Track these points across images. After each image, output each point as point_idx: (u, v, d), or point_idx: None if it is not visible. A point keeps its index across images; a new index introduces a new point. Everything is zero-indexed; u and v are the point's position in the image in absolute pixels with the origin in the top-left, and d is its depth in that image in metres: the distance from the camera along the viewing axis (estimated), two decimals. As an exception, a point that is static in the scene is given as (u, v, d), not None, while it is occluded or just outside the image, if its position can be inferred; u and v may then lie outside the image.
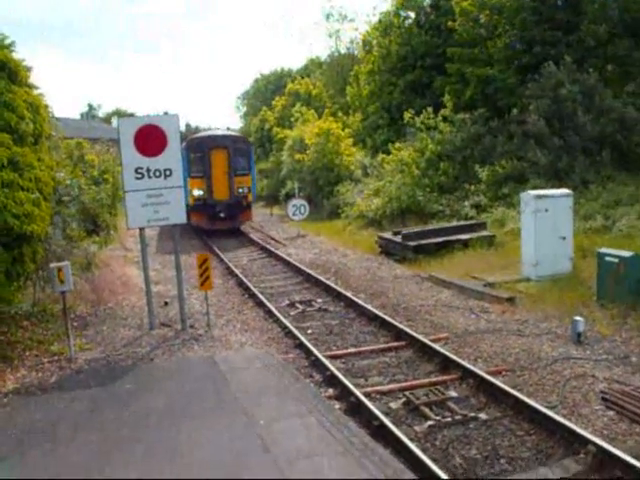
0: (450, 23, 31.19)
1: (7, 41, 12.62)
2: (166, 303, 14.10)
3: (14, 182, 10.01)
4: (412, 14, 37.43)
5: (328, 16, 48.37)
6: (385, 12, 38.78)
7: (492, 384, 8.71)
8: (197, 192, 25.97)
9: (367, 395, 8.75)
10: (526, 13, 26.60)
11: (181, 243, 12.83)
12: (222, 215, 26.25)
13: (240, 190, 26.63)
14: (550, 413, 7.66)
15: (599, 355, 9.90)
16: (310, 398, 8.31)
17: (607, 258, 12.28)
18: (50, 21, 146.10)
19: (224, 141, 27.32)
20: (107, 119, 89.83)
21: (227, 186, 26.39)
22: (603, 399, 8.22)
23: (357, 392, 8.70)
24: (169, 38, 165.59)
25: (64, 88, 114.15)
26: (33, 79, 12.40)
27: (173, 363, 10.21)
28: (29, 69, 12.25)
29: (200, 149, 26.62)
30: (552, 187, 19.15)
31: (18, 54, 12.40)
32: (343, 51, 48.22)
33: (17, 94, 10.99)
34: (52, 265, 10.57)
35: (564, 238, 14.45)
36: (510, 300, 13.09)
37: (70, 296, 11.81)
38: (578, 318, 10.65)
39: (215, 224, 26.64)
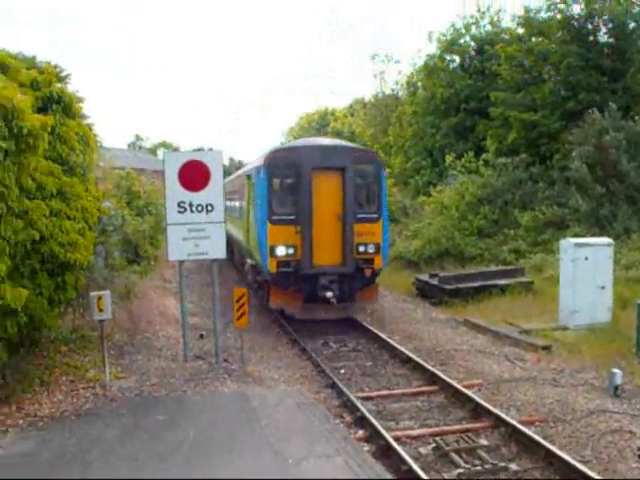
0: (495, 67, 31.36)
1: (63, 73, 13.22)
2: (202, 336, 14.24)
3: (62, 211, 10.39)
4: (457, 58, 37.74)
5: (374, 57, 48.94)
6: (430, 55, 39.13)
7: (524, 434, 8.57)
8: (282, 250, 14.64)
9: (397, 439, 8.69)
10: (572, 59, 26.58)
11: (220, 276, 13.01)
12: (328, 295, 14.55)
13: (362, 248, 15.03)
14: (583, 468, 7.49)
15: (637, 410, 9.66)
16: (339, 439, 8.29)
17: (648, 309, 12.05)
18: (104, 47, 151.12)
19: (337, 157, 15.08)
20: (153, 150, 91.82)
21: (339, 241, 14.82)
22: (640, 456, 8.03)
23: (387, 435, 8.65)
24: (215, 74, 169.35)
25: (113, 117, 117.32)
26: (84, 109, 12.90)
27: (205, 396, 10.30)
28: (81, 100, 12.75)
29: (292, 171, 14.88)
30: (593, 235, 18.96)
31: (72, 85, 12.98)
32: (387, 92, 48.62)
33: (70, 127, 11.44)
34: (92, 294, 10.83)
35: (603, 287, 14.24)
36: (546, 348, 12.90)
37: (108, 324, 12.03)
38: (616, 370, 10.43)
39: (315, 311, 15.08)
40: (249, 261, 17.71)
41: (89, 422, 9.09)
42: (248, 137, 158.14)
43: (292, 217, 14.66)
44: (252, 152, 78.82)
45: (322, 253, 14.68)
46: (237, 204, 21.30)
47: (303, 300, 14.90)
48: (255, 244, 15.51)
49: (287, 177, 15.19)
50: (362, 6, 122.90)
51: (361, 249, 14.96)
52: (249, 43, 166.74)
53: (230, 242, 22.78)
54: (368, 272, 15.10)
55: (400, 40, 55.58)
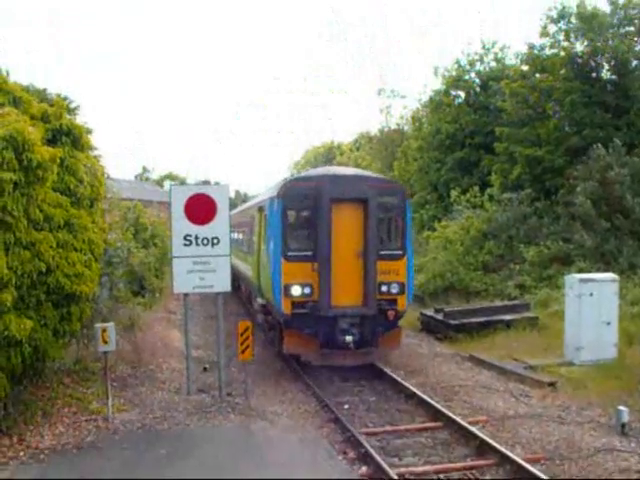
0: (500, 103, 31.67)
1: (73, 105, 13.42)
2: (205, 369, 14.20)
3: (68, 243, 10.45)
4: (462, 93, 38.16)
5: (380, 92, 49.48)
6: (436, 90, 39.57)
7: (529, 472, 8.46)
8: (298, 290, 13.29)
9: (401, 475, 8.59)
10: (575, 96, 26.85)
11: (224, 309, 13.00)
12: (348, 340, 13.22)
13: (385, 288, 13.70)
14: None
15: (645, 449, 9.55)
16: (342, 476, 8.21)
17: (654, 347, 11.98)
18: (110, 79, 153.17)
19: (359, 188, 13.74)
20: (159, 182, 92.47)
21: (360, 280, 13.53)
22: (648, 496, 7.91)
23: (390, 471, 8.56)
24: (222, 108, 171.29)
25: (121, 148, 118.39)
26: (92, 140, 13.05)
27: (208, 430, 10.25)
28: (90, 131, 12.91)
29: (309, 203, 13.60)
30: (598, 270, 18.92)
31: (81, 117, 13.15)
32: (393, 126, 49.05)
33: (78, 159, 11.59)
34: (97, 325, 10.87)
35: (609, 323, 14.17)
36: (552, 385, 12.80)
37: (111, 356, 12.02)
38: (623, 408, 10.34)
39: (333, 357, 13.58)
40: (259, 300, 16.18)
41: (90, 455, 9.05)
42: (254, 170, 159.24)
43: (309, 253, 13.39)
44: (258, 185, 79.32)
45: (341, 293, 13.32)
46: (246, 237, 20.06)
47: (320, 345, 13.43)
48: (267, 282, 14.22)
49: (304, 209, 13.91)
50: (369, 40, 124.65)
51: (384, 289, 13.60)
52: (257, 70, 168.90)
53: (236, 277, 22.26)
54: (391, 314, 13.64)
55: (406, 76, 56.26)
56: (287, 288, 13.24)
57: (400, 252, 14.03)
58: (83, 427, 10.28)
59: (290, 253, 13.46)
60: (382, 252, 13.64)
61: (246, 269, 18.95)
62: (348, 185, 13.77)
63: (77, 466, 8.61)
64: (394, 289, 13.76)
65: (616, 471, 8.68)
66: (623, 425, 10.13)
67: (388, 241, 14.39)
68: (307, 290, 13.30)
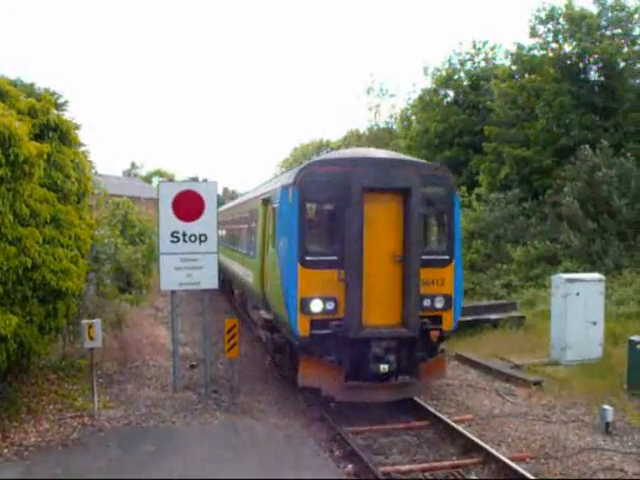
0: (489, 103, 31.79)
1: (61, 100, 13.36)
2: (192, 366, 14.15)
3: (55, 239, 10.40)
4: (451, 92, 38.28)
5: (369, 90, 49.49)
6: (425, 89, 39.65)
7: (515, 471, 8.50)
8: (318, 305, 10.60)
9: (386, 474, 8.61)
10: (564, 97, 27.01)
11: (211, 306, 12.98)
12: (383, 369, 10.59)
13: (427, 302, 11.09)
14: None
15: (629, 447, 9.64)
16: (328, 474, 8.22)
17: (639, 346, 12.08)
18: (99, 73, 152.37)
19: (399, 175, 10.94)
20: (148, 178, 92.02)
21: (399, 292, 10.91)
22: (631, 495, 7.97)
23: (376, 470, 8.58)
24: (211, 102, 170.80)
25: (110, 143, 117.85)
26: (80, 136, 13.00)
27: (195, 428, 10.22)
28: (77, 127, 12.85)
29: (335, 193, 10.74)
30: (585, 270, 19.07)
31: (69, 112, 13.08)
32: (382, 125, 49.15)
33: (65, 154, 11.53)
34: (83, 322, 10.81)
35: (595, 323, 14.26)
36: (537, 384, 12.87)
37: (98, 352, 11.97)
38: (607, 407, 10.41)
39: (363, 391, 10.87)
40: (263, 314, 13.15)
41: (76, 452, 8.99)
42: (243, 168, 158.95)
43: (333, 258, 10.63)
44: (246, 183, 79.10)
45: (375, 309, 10.64)
46: (244, 236, 17.28)
47: (346, 376, 10.70)
48: (277, 293, 11.23)
49: (327, 202, 11.04)
50: (359, 39, 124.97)
51: (426, 303, 10.94)
52: (247, 72, 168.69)
53: (228, 279, 21.60)
54: (434, 336, 11.01)
55: (395, 74, 56.34)
56: (305, 303, 10.46)
57: (447, 257, 11.32)
58: (68, 424, 10.21)
59: (309, 258, 10.62)
60: (424, 257, 10.90)
61: (244, 274, 16.33)
62: (385, 171, 10.83)
63: (62, 463, 8.54)
64: (439, 303, 11.10)
65: (600, 470, 8.74)
66: (607, 424, 10.21)
67: (432, 243, 11.86)
68: (330, 305, 10.55)
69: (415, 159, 14.08)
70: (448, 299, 11.19)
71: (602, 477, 8.54)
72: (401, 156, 13.55)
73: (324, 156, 13.41)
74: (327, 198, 10.95)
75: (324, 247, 11.06)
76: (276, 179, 14.63)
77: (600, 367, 13.59)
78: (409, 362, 10.95)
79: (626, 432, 10.22)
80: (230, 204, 26.04)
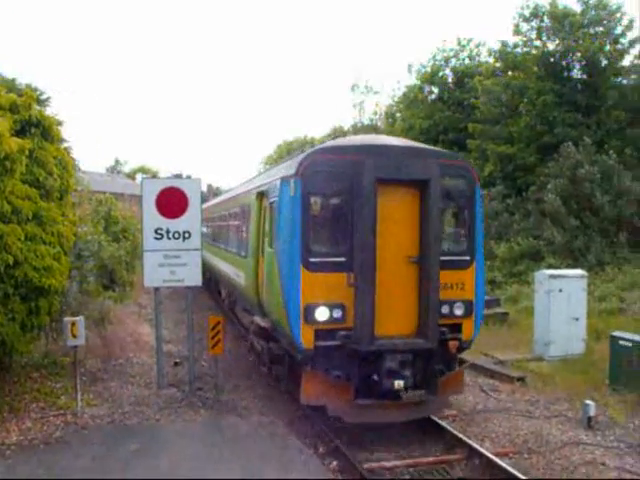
0: (473, 100, 31.94)
1: (43, 96, 13.22)
2: (176, 363, 14.09)
3: (37, 236, 10.30)
4: (435, 89, 38.40)
5: (354, 87, 49.54)
6: (409, 86, 39.73)
7: (499, 466, 8.56)
8: (324, 313, 9.43)
9: (371, 470, 8.63)
10: (548, 96, 27.19)
11: (195, 304, 12.92)
12: (398, 385, 9.39)
13: (446, 309, 9.98)
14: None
15: (610, 442, 9.76)
16: (313, 470, 8.23)
17: (621, 342, 12.21)
18: (84, 69, 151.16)
19: (417, 165, 9.79)
20: (132, 175, 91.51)
21: (415, 298, 9.85)
22: (613, 489, 8.06)
23: (360, 467, 8.59)
24: (195, 100, 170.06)
25: (93, 140, 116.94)
26: (63, 132, 12.88)
27: (179, 425, 10.17)
28: (60, 123, 12.73)
29: (344, 185, 9.61)
30: (567, 266, 19.24)
31: (52, 108, 12.96)
32: (366, 122, 49.16)
33: (48, 151, 11.41)
34: (66, 319, 10.71)
35: (577, 319, 14.40)
36: (521, 380, 12.97)
37: (81, 350, 11.89)
38: (589, 402, 10.52)
39: (374, 410, 9.68)
40: (258, 320, 11.87)
41: (58, 451, 8.92)
42: (226, 164, 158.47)
43: (341, 259, 9.47)
44: (230, 180, 78.77)
45: (388, 317, 9.50)
46: (233, 233, 16.31)
47: (355, 393, 9.51)
48: (275, 299, 10.07)
49: (334, 195, 9.81)
50: (344, 36, 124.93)
51: (444, 310, 9.81)
52: (231, 69, 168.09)
53: (214, 278, 21.01)
54: (453, 346, 9.93)
55: (380, 71, 56.43)
56: (309, 310, 9.29)
57: (467, 257, 10.23)
58: (51, 422, 10.12)
59: (313, 259, 9.43)
60: (442, 258, 9.73)
61: (234, 274, 15.20)
62: (401, 160, 9.63)
63: (45, 462, 8.47)
64: (458, 310, 10.01)
65: (582, 464, 8.84)
66: (589, 419, 10.32)
67: (450, 242, 10.70)
68: (338, 313, 9.37)
69: (433, 147, 12.94)
70: (469, 305, 10.05)
71: (584, 471, 8.62)
72: (417, 144, 11.81)
73: (331, 143, 11.44)
74: (334, 191, 9.72)
75: (330, 247, 9.79)
76: (273, 170, 13.10)
77: (582, 363, 13.72)
78: (426, 377, 9.80)
79: (608, 426, 10.35)
80: (218, 199, 25.00)
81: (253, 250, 12.22)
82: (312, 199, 9.65)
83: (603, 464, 8.84)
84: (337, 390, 9.49)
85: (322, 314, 9.33)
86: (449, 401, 10.64)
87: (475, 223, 10.35)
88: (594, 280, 18.83)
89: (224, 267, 17.25)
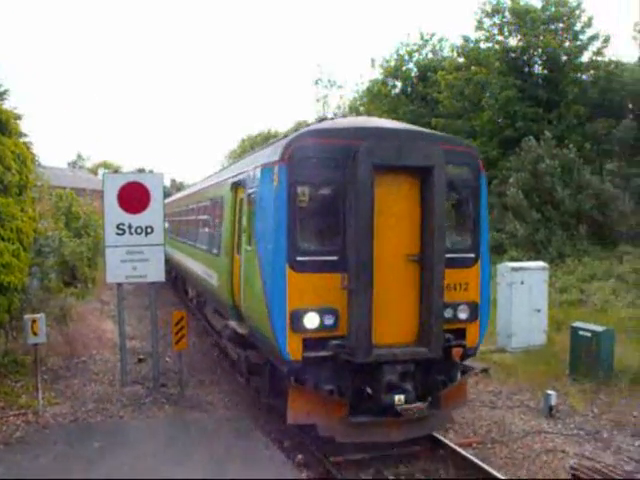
0: (436, 95, 32.17)
1: (0, 89, 12.92)
2: (140, 360, 13.94)
3: (-5, 232, 10.09)
4: (399, 83, 38.57)
5: (317, 81, 49.54)
6: (373, 80, 39.85)
7: (463, 457, 8.66)
8: (314, 319, 8.22)
9: (337, 464, 8.64)
10: (510, 91, 27.53)
11: (159, 299, 12.80)
12: (398, 401, 8.28)
13: (449, 313, 8.84)
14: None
15: (570, 430, 9.98)
16: (278, 465, 8.23)
17: (580, 332, 12.45)
18: (45, 66, 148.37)
19: (419, 151, 8.51)
20: (94, 170, 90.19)
21: (415, 301, 8.68)
22: (573, 475, 8.22)
23: (326, 460, 8.61)
24: (157, 95, 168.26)
25: (53, 134, 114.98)
26: (22, 127, 12.63)
27: (143, 422, 10.08)
28: (19, 117, 12.48)
29: (336, 173, 8.40)
30: (529, 259, 19.52)
31: (10, 101, 12.69)
32: (330, 116, 49.19)
33: (6, 145, 11.19)
34: (26, 317, 10.52)
35: (539, 310, 14.63)
36: (484, 371, 13.12)
37: (42, 348, 11.70)
38: (550, 392, 10.74)
39: (371, 429, 8.66)
40: (234, 325, 10.56)
41: (19, 451, 8.76)
42: (190, 159, 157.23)
43: (333, 258, 8.36)
44: (194, 174, 78.15)
45: (386, 323, 8.41)
46: (203, 228, 15.21)
47: (349, 409, 8.47)
48: (256, 304, 9.01)
49: (326, 184, 8.59)
50: (306, 29, 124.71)
51: (447, 314, 8.76)
52: (193, 61, 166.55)
53: (180, 274, 20.05)
54: (457, 354, 8.89)
55: (344, 65, 56.54)
56: (296, 317, 8.12)
57: (472, 255, 9.19)
58: (11, 422, 9.94)
59: (301, 258, 8.25)
60: (450, 256, 8.72)
61: (204, 273, 14.10)
62: (401, 145, 8.44)
63: (4, 462, 8.32)
64: (462, 313, 8.97)
65: (543, 452, 9.03)
66: (551, 408, 10.53)
67: (453, 237, 9.36)
68: (329, 320, 8.26)
69: (435, 131, 11.11)
70: (474, 308, 9.03)
71: (545, 459, 8.80)
72: (416, 127, 10.68)
73: (320, 125, 9.89)
74: (325, 179, 8.51)
75: (321, 244, 8.61)
76: (249, 158, 11.80)
77: (544, 353, 13.96)
78: (427, 389, 8.80)
79: (568, 415, 10.58)
80: (184, 192, 23.74)
81: (227, 248, 11.20)
82: (299, 189, 8.38)
83: (563, 451, 9.04)
84: (329, 407, 8.41)
85: (311, 321, 8.16)
86: (452, 415, 9.63)
87: (480, 216, 9.30)
88: (555, 272, 19.16)
89: (192, 265, 16.31)
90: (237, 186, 10.88)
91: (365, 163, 8.04)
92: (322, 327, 8.18)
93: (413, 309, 8.59)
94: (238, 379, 11.61)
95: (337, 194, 8.40)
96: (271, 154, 9.01)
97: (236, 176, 11.17)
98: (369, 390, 8.44)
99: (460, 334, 8.94)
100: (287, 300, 8.14)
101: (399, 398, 8.23)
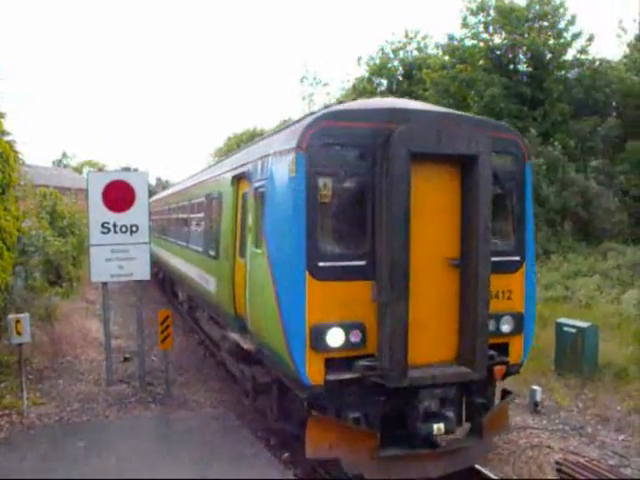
0: (422, 92, 32.23)
1: (-17, 89, 12.81)
2: (126, 359, 13.88)
3: (-23, 231, 10.01)
4: (384, 81, 38.61)
5: (303, 79, 49.55)
6: (359, 78, 39.85)
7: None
8: (339, 336, 6.90)
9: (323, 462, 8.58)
10: (495, 88, 27.63)
11: (145, 298, 12.74)
12: (438, 430, 7.11)
13: (492, 325, 7.55)
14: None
15: (555, 425, 10.06)
16: (264, 463, 8.22)
17: (565, 328, 12.53)
18: (30, 60, 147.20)
19: (461, 136, 7.12)
20: (79, 168, 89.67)
21: (452, 313, 7.43)
22: (558, 470, 8.31)
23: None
24: (143, 93, 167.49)
25: (38, 133, 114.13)
26: (5, 125, 12.52)
27: (129, 422, 10.03)
28: (2, 115, 12.38)
29: (365, 163, 7.07)
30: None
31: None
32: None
33: (-12, 144, 11.09)
34: (10, 316, 10.44)
35: (524, 307, 14.66)
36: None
37: (27, 347, 11.61)
38: (535, 387, 10.82)
39: (405, 464, 7.22)
40: (237, 339, 9.33)
41: (3, 452, 8.70)
42: (175, 158, 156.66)
43: (360, 263, 7.11)
44: (179, 173, 77.78)
45: (422, 340, 7.18)
46: (194, 228, 14.33)
47: (379, 442, 7.14)
48: (267, 316, 7.66)
49: (351, 176, 7.22)
50: (292, 27, 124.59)
51: (497, 328, 7.77)
52: (180, 60, 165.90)
53: (169, 276, 19.43)
54: (499, 373, 7.84)
55: (330, 63, 56.61)
56: (317, 333, 6.88)
57: (516, 258, 8.00)
58: (-5, 423, 9.89)
59: (323, 263, 6.98)
60: (495, 260, 7.49)
61: (199, 277, 12.99)
62: (441, 130, 7.14)
63: (-11, 463, 8.27)
64: (506, 325, 7.87)
65: (529, 447, 9.10)
66: (536, 404, 10.61)
67: (495, 238, 7.79)
68: (356, 337, 7.02)
69: (478, 117, 10.38)
70: (518, 319, 7.93)
71: (531, 454, 8.87)
72: (448, 109, 9.56)
73: (344, 105, 8.52)
74: (351, 170, 7.16)
75: (345, 247, 7.23)
76: (254, 146, 10.38)
77: (530, 349, 13.99)
78: (469, 415, 7.86)
79: (553, 410, 10.66)
80: (172, 189, 22.27)
81: (227, 250, 10.02)
82: (321, 181, 7.03)
83: (549, 447, 9.12)
84: (355, 438, 7.08)
85: (335, 338, 6.92)
86: (495, 444, 8.57)
87: (525, 214, 8.11)
88: (540, 269, 19.24)
89: (183, 267, 15.30)
90: (240, 179, 9.63)
91: (401, 150, 6.81)
92: (347, 345, 6.97)
93: (453, 322, 7.42)
94: (244, 401, 10.41)
95: (365, 186, 7.15)
96: (285, 140, 7.64)
97: (238, 168, 9.86)
98: (407, 419, 7.32)
99: (503, 349, 7.86)
100: (306, 313, 6.89)
101: (438, 427, 7.11)
